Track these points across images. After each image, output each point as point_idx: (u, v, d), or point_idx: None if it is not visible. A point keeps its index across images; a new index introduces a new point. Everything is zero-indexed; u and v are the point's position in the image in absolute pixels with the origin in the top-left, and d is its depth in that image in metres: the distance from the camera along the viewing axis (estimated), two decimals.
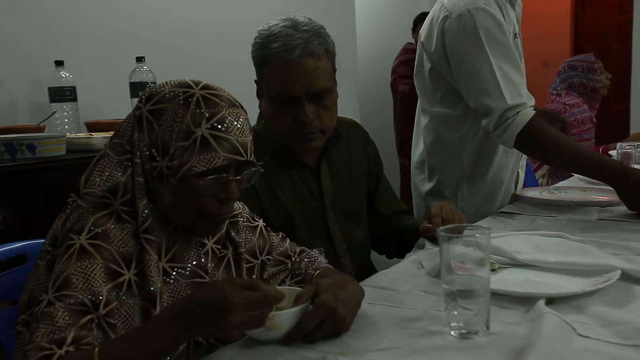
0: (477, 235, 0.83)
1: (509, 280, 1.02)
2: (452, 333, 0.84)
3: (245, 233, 1.08)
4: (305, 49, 1.20)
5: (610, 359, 0.74)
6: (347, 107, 2.43)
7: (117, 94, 2.20)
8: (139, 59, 2.10)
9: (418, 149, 1.78)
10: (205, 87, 0.91)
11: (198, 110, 0.87)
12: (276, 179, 1.31)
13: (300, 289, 0.91)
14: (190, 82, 0.91)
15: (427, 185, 1.76)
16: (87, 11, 2.24)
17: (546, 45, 6.03)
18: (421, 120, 1.76)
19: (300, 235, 1.31)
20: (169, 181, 0.89)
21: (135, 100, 2.08)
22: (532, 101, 1.51)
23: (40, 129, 1.91)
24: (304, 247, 1.18)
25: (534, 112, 1.49)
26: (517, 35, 1.64)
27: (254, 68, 1.30)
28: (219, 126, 0.87)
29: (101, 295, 0.83)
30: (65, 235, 0.88)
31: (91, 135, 1.91)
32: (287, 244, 1.16)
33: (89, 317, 0.81)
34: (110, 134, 1.93)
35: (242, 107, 0.94)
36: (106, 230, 0.87)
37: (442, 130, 1.68)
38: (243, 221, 1.09)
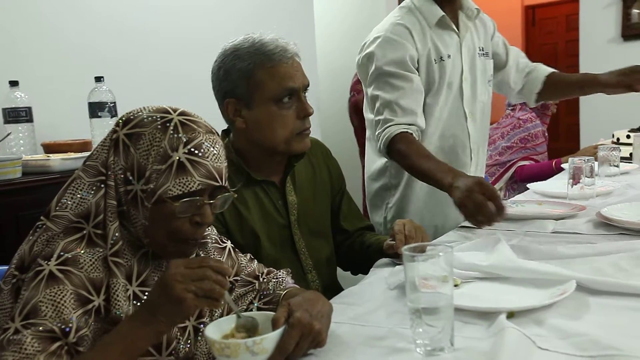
0: (440, 253, 0.85)
1: (471, 296, 1.05)
2: (418, 350, 0.86)
3: (214, 255, 1.08)
4: (293, 49, 1.31)
5: None
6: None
7: (76, 114, 2.16)
8: (98, 79, 2.07)
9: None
10: (183, 113, 0.93)
11: (176, 135, 0.89)
12: (241, 198, 1.31)
13: (273, 313, 0.91)
14: (168, 108, 0.93)
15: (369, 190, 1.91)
16: (42, 30, 2.20)
17: None
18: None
19: (267, 252, 1.32)
20: (144, 204, 0.89)
21: (94, 120, 2.06)
22: (405, 119, 1.63)
23: None
24: (271, 268, 1.19)
25: (404, 128, 1.61)
26: (443, 59, 1.73)
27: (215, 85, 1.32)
28: (196, 151, 0.89)
29: (71, 323, 0.82)
30: (33, 260, 0.87)
31: (48, 157, 1.86)
32: (255, 265, 1.17)
33: (58, 343, 0.80)
34: (68, 155, 1.91)
35: (218, 135, 0.95)
36: (76, 256, 0.86)
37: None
38: (212, 243, 1.09)
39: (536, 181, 2.23)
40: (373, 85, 1.70)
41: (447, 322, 0.85)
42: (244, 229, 1.31)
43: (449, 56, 1.75)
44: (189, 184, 0.88)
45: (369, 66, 1.71)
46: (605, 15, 4.35)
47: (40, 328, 0.80)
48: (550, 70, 1.99)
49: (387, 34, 1.68)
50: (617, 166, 2.25)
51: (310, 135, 1.53)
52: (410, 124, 1.64)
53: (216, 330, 0.89)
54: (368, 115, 1.81)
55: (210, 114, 1.35)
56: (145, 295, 0.93)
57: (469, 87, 1.80)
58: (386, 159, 1.77)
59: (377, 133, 1.67)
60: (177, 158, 0.87)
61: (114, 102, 2.08)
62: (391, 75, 1.66)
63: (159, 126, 0.89)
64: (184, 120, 0.91)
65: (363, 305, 1.08)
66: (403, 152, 1.59)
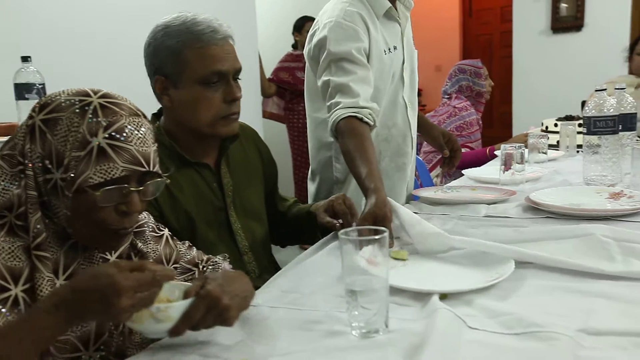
0: (376, 236, 0.87)
1: (406, 277, 1.07)
2: (354, 333, 0.87)
3: (151, 243, 1.06)
4: (226, 31, 1.28)
5: (496, 348, 0.81)
6: (249, 108, 2.42)
7: (1, 96, 2.04)
8: (25, 59, 1.96)
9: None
10: (105, 95, 0.88)
11: (95, 119, 0.84)
12: (175, 181, 1.29)
13: (190, 284, 0.90)
14: (88, 91, 0.88)
15: (311, 187, 1.89)
16: None
17: (438, 50, 6.39)
18: (308, 126, 1.88)
19: (202, 235, 1.31)
20: (64, 194, 0.84)
21: (21, 102, 1.96)
22: (351, 101, 1.54)
23: None
24: (210, 255, 1.18)
25: (351, 112, 1.52)
26: (390, 50, 1.72)
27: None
28: (118, 135, 0.84)
29: None
30: None
31: None
32: (195, 252, 1.15)
33: None
34: None
35: (144, 117, 0.91)
36: None
37: (321, 135, 1.79)
38: (149, 231, 1.06)
39: (471, 167, 2.31)
40: (325, 71, 1.63)
41: (382, 304, 0.86)
42: (179, 212, 1.29)
43: (395, 47, 1.75)
44: (111, 170, 0.84)
45: (321, 54, 1.64)
46: (536, 8, 4.53)
47: None
48: None
49: (339, 20, 1.63)
50: (545, 153, 2.35)
51: (243, 120, 1.53)
52: (357, 106, 1.54)
53: None
54: (313, 104, 1.80)
55: (150, 92, 1.32)
56: None
57: (408, 77, 1.82)
58: (329, 153, 1.78)
59: (328, 117, 1.60)
60: (97, 143, 0.83)
61: (43, 84, 1.98)
62: (344, 59, 1.59)
63: (77, 110, 0.85)
64: (105, 103, 0.86)
65: (300, 289, 1.09)
66: (342, 149, 1.52)
